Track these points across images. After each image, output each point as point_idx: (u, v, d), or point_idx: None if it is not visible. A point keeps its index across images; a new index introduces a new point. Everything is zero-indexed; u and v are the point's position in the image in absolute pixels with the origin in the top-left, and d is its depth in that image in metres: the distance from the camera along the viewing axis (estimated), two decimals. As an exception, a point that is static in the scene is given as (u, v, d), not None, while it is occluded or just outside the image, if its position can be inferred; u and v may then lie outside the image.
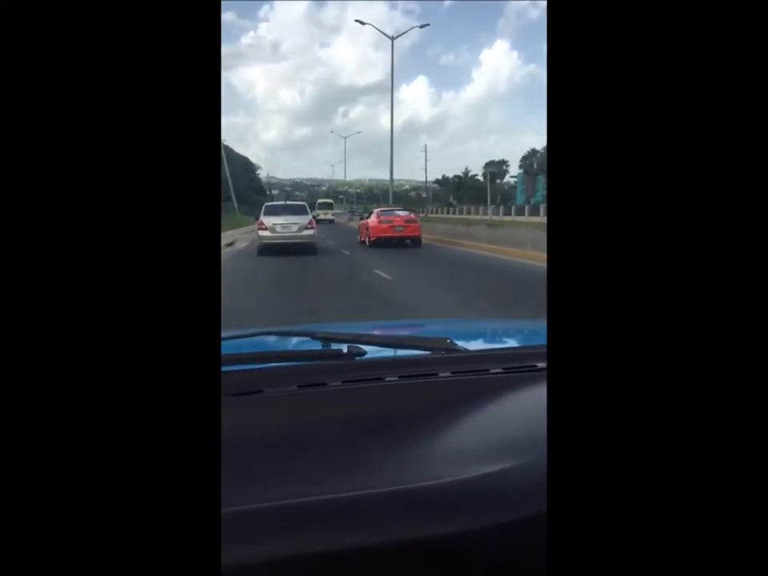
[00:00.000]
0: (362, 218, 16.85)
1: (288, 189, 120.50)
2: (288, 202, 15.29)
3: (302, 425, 0.64)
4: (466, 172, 74.57)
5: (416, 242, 13.38)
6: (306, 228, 11.77)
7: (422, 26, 29.27)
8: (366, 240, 13.94)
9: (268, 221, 11.67)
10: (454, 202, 65.74)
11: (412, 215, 14.44)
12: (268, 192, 58.11)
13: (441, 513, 0.47)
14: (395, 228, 13.32)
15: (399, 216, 13.96)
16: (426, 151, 67.99)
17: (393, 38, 24.57)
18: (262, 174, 62.55)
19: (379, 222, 13.56)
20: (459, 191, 71.54)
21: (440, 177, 78.99)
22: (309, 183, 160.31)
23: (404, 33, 26.62)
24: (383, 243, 13.01)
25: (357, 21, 24.79)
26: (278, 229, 11.58)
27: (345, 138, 59.77)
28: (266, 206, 12.85)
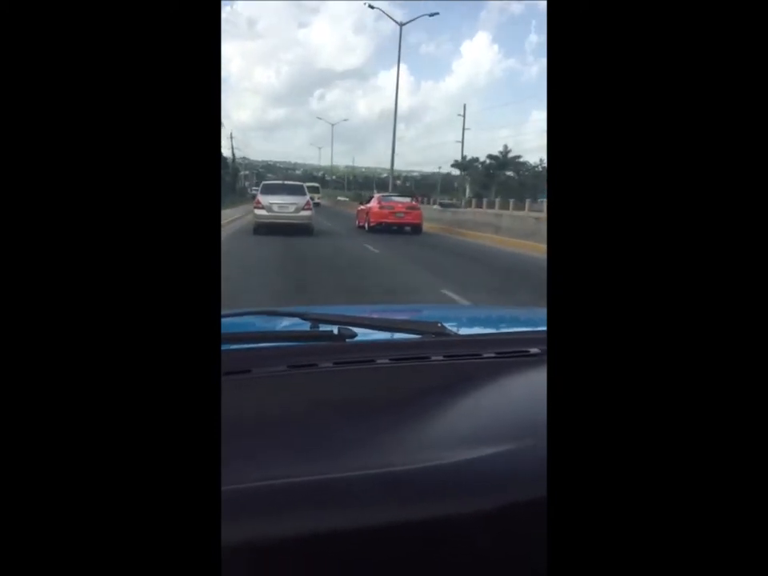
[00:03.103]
0: (361, 204, 20.03)
1: (260, 170, 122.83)
2: (286, 182, 17.71)
3: (290, 405, 0.78)
4: (506, 151, 62.09)
5: (416, 229, 16.57)
6: (304, 209, 14.36)
7: (431, 15, 32.12)
8: (366, 225, 17.19)
9: (265, 200, 14.28)
10: (480, 191, 54.90)
11: (414, 202, 17.58)
12: (229, 169, 56.10)
13: (429, 496, 0.57)
14: (396, 214, 16.53)
15: (401, 203, 17.08)
16: (464, 113, 55.05)
17: (401, 24, 27.71)
18: (225, 145, 58.30)
19: (380, 208, 16.77)
20: (492, 178, 60.91)
21: (459, 159, 62.71)
22: (282, 166, 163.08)
23: (414, 20, 29.91)
24: (383, 229, 16.08)
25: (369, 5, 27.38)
26: (275, 208, 14.16)
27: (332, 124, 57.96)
28: (264, 184, 15.80)
